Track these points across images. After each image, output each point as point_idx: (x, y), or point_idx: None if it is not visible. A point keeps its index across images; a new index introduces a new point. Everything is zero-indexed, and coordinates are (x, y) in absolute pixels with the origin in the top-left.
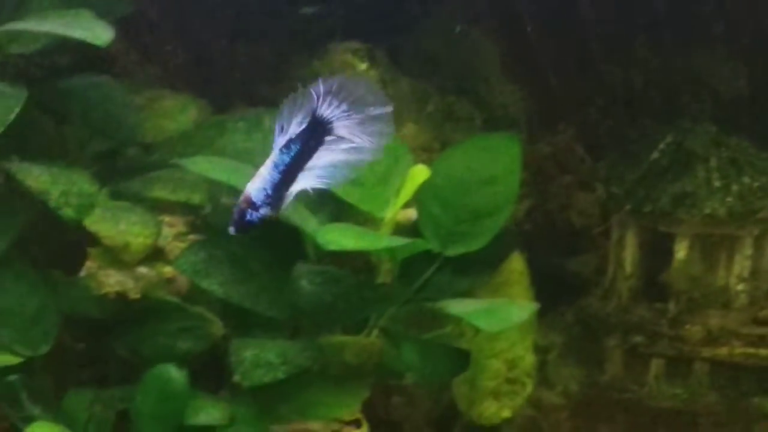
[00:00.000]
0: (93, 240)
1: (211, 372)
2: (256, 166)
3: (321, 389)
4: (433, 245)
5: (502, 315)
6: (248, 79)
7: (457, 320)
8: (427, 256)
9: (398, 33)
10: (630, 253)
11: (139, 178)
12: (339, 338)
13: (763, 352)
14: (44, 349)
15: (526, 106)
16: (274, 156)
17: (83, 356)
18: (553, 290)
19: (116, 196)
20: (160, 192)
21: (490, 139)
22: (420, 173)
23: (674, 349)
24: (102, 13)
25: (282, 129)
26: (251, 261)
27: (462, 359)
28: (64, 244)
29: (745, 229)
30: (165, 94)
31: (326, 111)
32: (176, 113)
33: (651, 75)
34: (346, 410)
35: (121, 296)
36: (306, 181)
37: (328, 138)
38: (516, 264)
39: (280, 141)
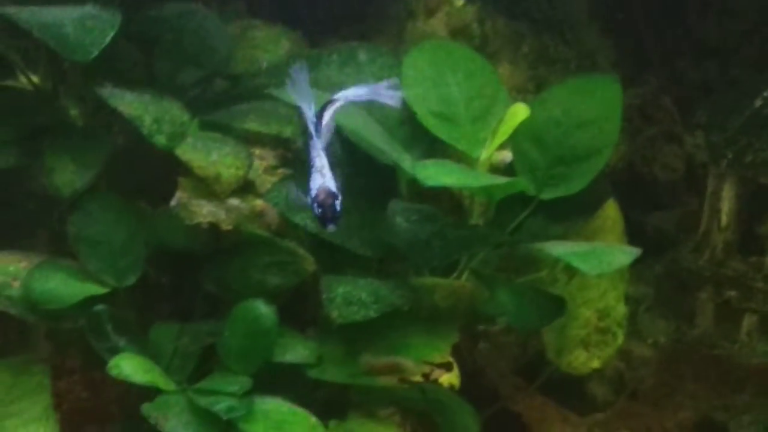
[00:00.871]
0: (182, 170)
1: (296, 310)
2: None
3: (410, 331)
4: (528, 188)
5: (604, 258)
6: (333, 17)
7: (551, 265)
8: (521, 199)
9: None
10: (727, 205)
11: (229, 110)
12: (430, 279)
13: None
14: (131, 279)
15: (613, 55)
16: (316, 144)
17: (166, 290)
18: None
19: (206, 126)
20: (252, 124)
21: (590, 81)
22: (520, 112)
23: None
24: None
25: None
26: (344, 197)
27: (557, 305)
28: (152, 175)
29: None
30: (257, 24)
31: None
32: (269, 44)
33: (747, 26)
34: (436, 353)
35: (213, 227)
36: None
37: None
38: (611, 210)
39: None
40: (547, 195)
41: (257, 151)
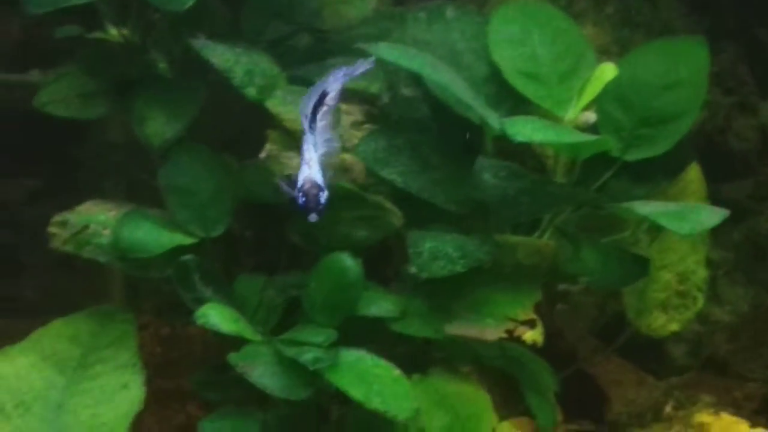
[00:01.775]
0: (271, 124)
1: (380, 264)
2: None
3: (494, 288)
4: (614, 148)
5: (693, 218)
6: None
7: (633, 226)
8: (606, 160)
9: None
10: None
11: (316, 64)
12: (513, 237)
13: None
14: (219, 230)
15: (690, 22)
16: (308, 138)
17: (251, 243)
18: None
19: (294, 81)
20: None
21: (678, 43)
22: (607, 72)
23: None
24: None
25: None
26: (430, 153)
27: (641, 265)
28: (236, 130)
29: None
30: None
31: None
32: (356, 0)
33: None
34: (519, 309)
35: None
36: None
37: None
38: (693, 173)
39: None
40: (631, 156)
41: (344, 107)
